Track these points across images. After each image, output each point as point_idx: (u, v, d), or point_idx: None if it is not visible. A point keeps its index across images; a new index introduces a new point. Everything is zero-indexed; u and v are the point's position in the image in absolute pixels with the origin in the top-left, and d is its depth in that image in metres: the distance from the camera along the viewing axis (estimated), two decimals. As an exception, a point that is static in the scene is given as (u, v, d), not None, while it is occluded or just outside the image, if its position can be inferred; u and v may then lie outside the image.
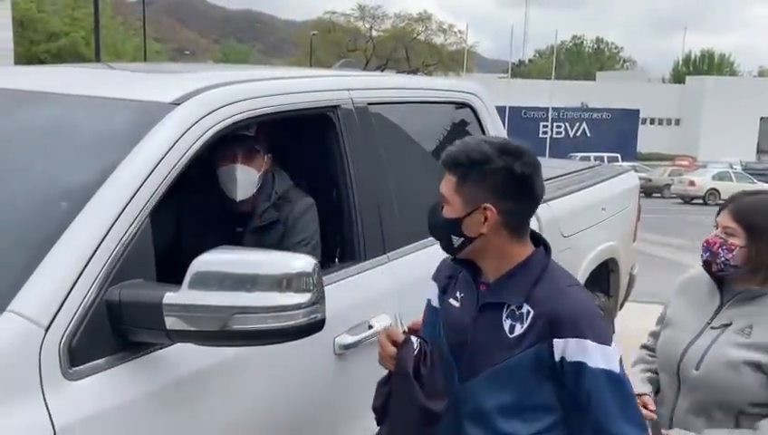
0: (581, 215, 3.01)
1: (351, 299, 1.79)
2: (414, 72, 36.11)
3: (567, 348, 1.27)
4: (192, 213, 1.98)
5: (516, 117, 35.24)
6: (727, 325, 1.67)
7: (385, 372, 1.42)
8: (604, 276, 3.32)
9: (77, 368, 1.19)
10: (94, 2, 17.90)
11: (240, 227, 1.99)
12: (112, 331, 1.25)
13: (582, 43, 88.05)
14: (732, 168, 27.35)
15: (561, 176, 3.31)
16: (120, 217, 1.29)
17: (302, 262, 1.26)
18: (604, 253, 3.18)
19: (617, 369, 1.29)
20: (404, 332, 1.39)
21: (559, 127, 40.99)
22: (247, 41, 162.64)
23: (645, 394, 1.77)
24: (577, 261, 2.87)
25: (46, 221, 1.31)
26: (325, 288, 1.29)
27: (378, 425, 1.43)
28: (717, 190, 22.47)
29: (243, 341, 1.26)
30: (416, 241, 2.05)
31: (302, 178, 2.11)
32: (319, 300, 1.26)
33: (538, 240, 1.42)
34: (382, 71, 29.98)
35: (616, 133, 39.68)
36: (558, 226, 2.67)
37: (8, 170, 1.49)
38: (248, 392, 1.49)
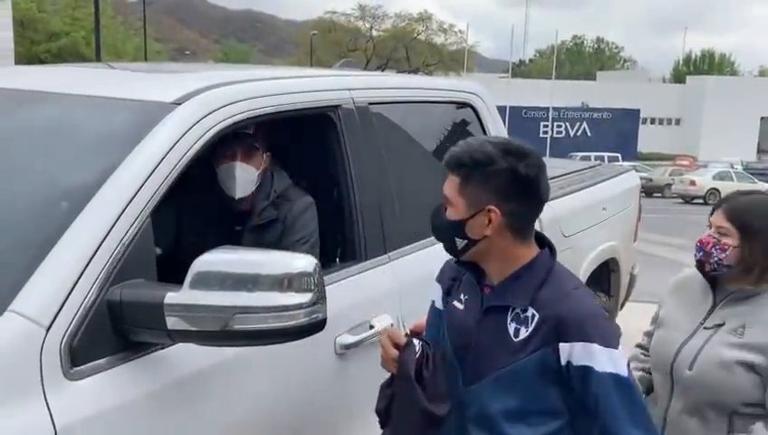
0: (582, 214, 3.01)
1: (352, 299, 1.78)
2: (414, 71, 36.12)
3: (573, 352, 1.26)
4: (191, 212, 1.98)
5: (517, 117, 35.22)
6: (720, 325, 1.67)
7: (386, 374, 1.41)
8: (605, 276, 3.32)
9: (78, 368, 1.19)
10: (95, 2, 17.90)
11: (239, 225, 1.99)
12: (113, 331, 1.25)
13: (583, 42, 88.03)
14: (732, 167, 27.35)
15: (562, 176, 3.31)
16: (121, 216, 1.29)
17: (304, 262, 1.25)
18: (605, 253, 3.17)
19: (624, 372, 1.27)
20: (406, 334, 1.37)
21: (559, 127, 40.97)
22: (248, 41, 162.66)
23: None
24: (578, 261, 2.86)
25: (47, 221, 1.31)
26: (326, 288, 1.29)
27: (381, 428, 1.42)
28: (718, 190, 22.44)
29: (244, 341, 1.26)
30: (417, 241, 2.04)
31: (304, 178, 2.11)
32: (320, 300, 1.25)
33: (543, 241, 1.40)
34: (383, 70, 29.98)
35: (616, 133, 39.68)
36: (559, 225, 2.67)
37: (9, 170, 1.49)
38: (249, 392, 1.49)
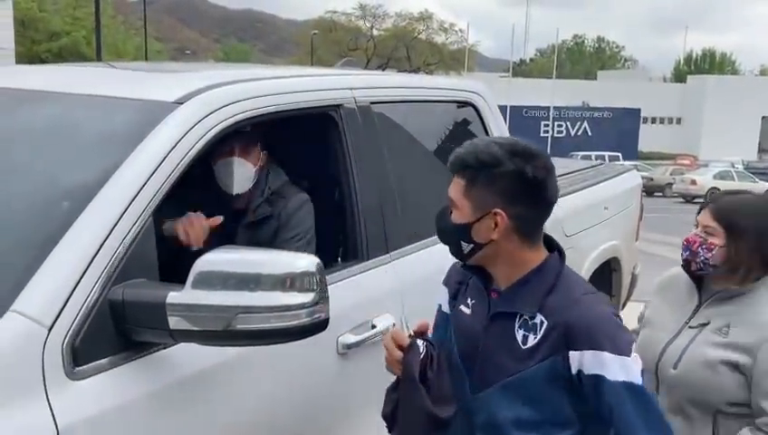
0: (584, 214, 3.00)
1: (354, 299, 1.78)
2: (415, 71, 36.12)
3: (583, 361, 1.22)
4: (187, 210, 1.97)
5: (517, 116, 35.23)
6: (705, 325, 1.67)
7: (390, 375, 1.39)
8: (606, 276, 3.31)
9: (80, 368, 1.19)
10: (95, 1, 17.91)
11: (234, 223, 1.98)
12: (115, 330, 1.25)
13: (583, 42, 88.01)
14: (733, 167, 27.34)
15: (564, 175, 3.30)
16: (123, 216, 1.29)
17: (306, 261, 1.25)
18: (607, 252, 3.17)
19: (637, 380, 1.22)
20: (410, 335, 1.35)
21: (560, 126, 40.97)
22: (248, 40, 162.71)
23: None
24: (579, 260, 2.86)
25: (49, 221, 1.31)
26: (328, 288, 1.28)
27: (389, 432, 1.40)
28: (719, 189, 22.41)
29: (246, 340, 1.25)
30: (419, 240, 2.04)
31: (305, 178, 2.11)
32: (322, 299, 1.25)
33: (551, 245, 1.36)
34: (383, 70, 29.95)
35: (617, 132, 39.67)
36: (561, 225, 2.66)
37: (11, 170, 1.49)
38: (251, 392, 1.49)
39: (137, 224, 1.30)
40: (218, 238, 1.81)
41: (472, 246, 1.30)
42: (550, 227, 1.36)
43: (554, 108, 39.67)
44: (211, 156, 1.91)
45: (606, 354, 1.21)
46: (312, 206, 1.99)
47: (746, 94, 47.37)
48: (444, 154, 1.98)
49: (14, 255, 1.28)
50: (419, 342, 1.33)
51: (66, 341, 1.17)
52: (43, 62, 24.33)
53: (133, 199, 1.31)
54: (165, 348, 1.32)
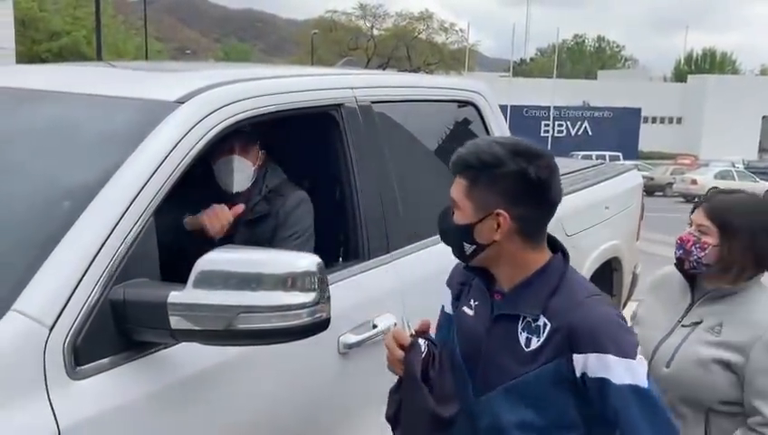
0: (585, 213, 3.00)
1: (355, 298, 1.78)
2: (415, 70, 36.10)
3: (588, 364, 1.20)
4: (186, 209, 1.97)
5: (518, 116, 35.22)
6: (698, 323, 1.67)
7: (391, 375, 1.39)
8: (607, 275, 3.31)
9: (81, 367, 1.19)
10: (96, 1, 17.91)
11: (232, 224, 1.98)
12: (117, 330, 1.24)
13: (584, 41, 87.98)
14: (734, 166, 27.33)
15: (564, 174, 3.29)
16: (124, 216, 1.29)
17: (307, 261, 1.25)
18: (607, 252, 3.17)
19: (643, 383, 1.20)
20: (411, 334, 1.34)
21: (560, 126, 40.97)
22: (248, 40, 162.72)
23: None
24: (580, 260, 2.86)
25: (50, 220, 1.31)
26: (329, 287, 1.28)
27: (393, 434, 1.39)
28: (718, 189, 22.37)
29: (248, 340, 1.25)
30: (420, 240, 2.04)
31: (306, 177, 2.10)
32: (324, 299, 1.25)
33: (555, 245, 1.34)
34: (383, 70, 29.96)
35: (618, 132, 39.67)
36: (561, 224, 2.66)
37: (12, 170, 1.49)
38: (253, 392, 1.48)
39: (138, 223, 1.30)
40: (218, 239, 1.81)
41: (474, 247, 1.29)
42: (551, 226, 1.35)
43: (555, 107, 39.67)
44: (210, 155, 1.91)
45: (610, 357, 1.19)
46: (310, 204, 1.99)
47: (747, 94, 47.36)
48: (445, 154, 1.98)
49: (15, 254, 1.28)
50: (421, 341, 1.32)
51: (67, 340, 1.17)
52: (43, 61, 24.32)
53: (134, 199, 1.31)
54: (166, 348, 1.32)
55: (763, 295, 1.66)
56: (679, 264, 1.71)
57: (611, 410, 1.21)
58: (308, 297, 1.23)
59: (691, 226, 1.70)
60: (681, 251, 1.68)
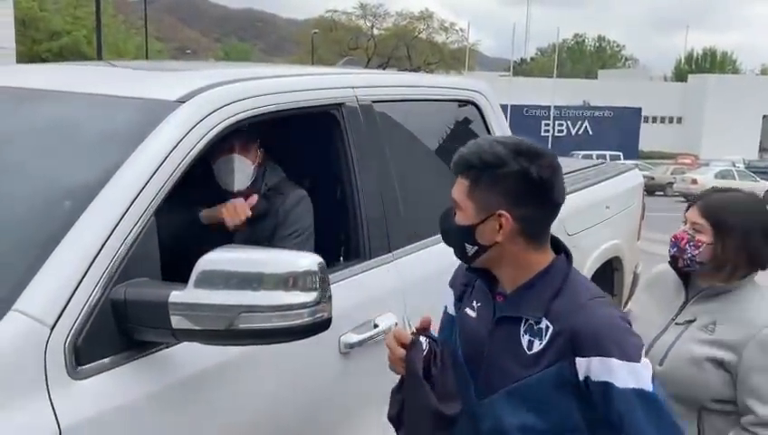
0: (586, 213, 3.00)
1: (356, 298, 1.77)
2: (415, 70, 36.09)
3: (591, 367, 1.18)
4: (185, 209, 1.97)
5: (518, 115, 35.21)
6: (691, 321, 1.67)
7: (393, 374, 1.38)
8: (608, 275, 3.31)
9: (82, 367, 1.19)
10: (96, 0, 17.91)
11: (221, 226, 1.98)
12: (118, 330, 1.24)
13: (584, 41, 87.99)
14: (734, 166, 27.32)
15: (565, 174, 3.28)
16: (125, 215, 1.29)
17: (308, 260, 1.25)
18: (608, 251, 3.16)
19: (648, 386, 1.18)
20: (412, 333, 1.33)
21: (561, 125, 40.96)
22: (248, 39, 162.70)
23: None
24: (581, 260, 2.85)
25: (51, 220, 1.31)
26: (330, 287, 1.28)
27: (396, 434, 1.39)
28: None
29: (249, 340, 1.25)
30: (421, 240, 2.04)
31: (307, 176, 2.10)
32: (325, 299, 1.24)
33: (558, 246, 1.32)
34: (384, 69, 29.96)
35: (618, 131, 39.65)
36: (562, 224, 2.66)
37: (13, 169, 1.49)
38: (254, 391, 1.48)
39: (139, 223, 1.30)
40: (217, 236, 1.81)
41: (476, 248, 1.27)
42: (552, 226, 1.35)
43: (555, 107, 39.65)
44: (210, 154, 1.90)
45: (614, 361, 1.17)
46: (310, 202, 1.99)
47: (747, 93, 47.36)
48: (446, 153, 1.97)
49: (16, 254, 1.28)
50: (422, 338, 1.31)
51: (68, 340, 1.17)
52: (43, 61, 24.32)
53: (135, 198, 1.31)
54: (167, 347, 1.32)
55: (757, 294, 1.66)
56: (673, 261, 1.71)
57: (616, 415, 1.19)
58: (309, 297, 1.22)
59: (686, 224, 1.71)
60: (675, 249, 1.69)
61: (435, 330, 1.38)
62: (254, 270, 1.22)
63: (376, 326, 1.77)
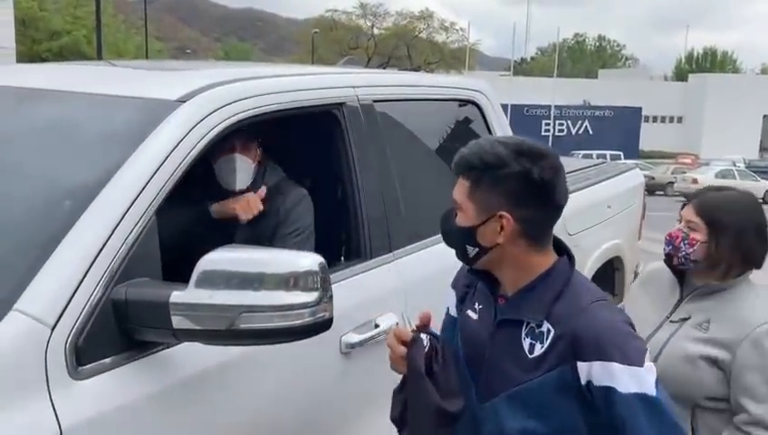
0: (587, 213, 3.00)
1: (357, 298, 1.77)
2: (416, 70, 36.07)
3: (592, 372, 1.17)
4: (186, 208, 1.97)
5: (518, 115, 35.20)
6: (686, 319, 1.67)
7: (394, 374, 1.37)
8: (609, 275, 3.31)
9: (83, 367, 1.19)
10: (96, 0, 17.90)
11: (233, 220, 1.98)
12: (118, 330, 1.24)
13: (584, 40, 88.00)
14: (735, 165, 27.32)
15: (567, 173, 3.28)
16: (126, 215, 1.28)
17: (309, 260, 1.24)
18: (609, 251, 3.16)
19: (651, 391, 1.16)
20: (412, 330, 1.32)
21: (561, 125, 40.95)
22: (249, 39, 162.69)
23: None
24: (582, 259, 2.85)
25: (51, 220, 1.30)
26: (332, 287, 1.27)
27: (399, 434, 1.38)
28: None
29: (250, 340, 1.25)
30: (421, 239, 2.03)
31: (308, 176, 2.10)
32: (326, 299, 1.24)
33: (560, 248, 1.30)
34: (384, 69, 29.94)
35: (618, 131, 39.64)
36: (564, 223, 2.65)
37: (13, 169, 1.48)
38: (255, 392, 1.48)
39: (140, 223, 1.30)
40: (218, 235, 1.81)
41: (477, 249, 1.26)
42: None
43: (555, 106, 39.65)
44: (211, 153, 1.90)
45: (615, 365, 1.16)
46: (310, 201, 1.99)
47: (747, 93, 47.35)
48: (447, 152, 1.97)
49: (17, 254, 1.28)
50: (423, 336, 1.30)
51: (69, 340, 1.16)
52: (43, 61, 24.34)
53: (136, 198, 1.31)
54: (168, 347, 1.31)
55: (752, 293, 1.66)
56: (668, 259, 1.71)
57: (618, 419, 1.17)
58: (310, 297, 1.22)
59: (681, 222, 1.71)
60: (670, 247, 1.69)
61: (434, 326, 1.37)
62: (255, 270, 1.22)
63: (377, 326, 1.77)
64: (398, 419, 1.35)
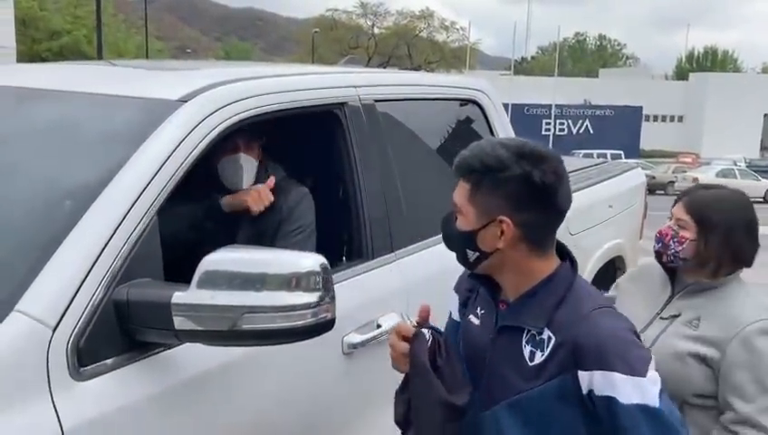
0: (588, 212, 2.99)
1: (359, 298, 1.77)
2: (416, 69, 36.07)
3: (593, 381, 1.15)
4: (188, 208, 1.96)
5: (519, 114, 35.17)
6: (676, 316, 1.67)
7: (395, 374, 1.36)
8: (611, 275, 3.30)
9: (85, 368, 1.18)
10: (96, 0, 17.91)
11: (235, 219, 1.98)
12: (120, 331, 1.24)
13: (585, 39, 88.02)
14: (735, 164, 27.33)
15: (568, 173, 3.28)
16: (128, 215, 1.28)
17: (311, 261, 1.24)
18: (611, 251, 3.16)
19: (654, 402, 1.14)
20: (413, 326, 1.30)
21: (562, 124, 40.94)
22: (249, 39, 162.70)
23: None
24: (584, 259, 2.85)
25: (53, 221, 1.30)
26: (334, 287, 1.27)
27: None
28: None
29: (252, 341, 1.24)
30: (423, 239, 2.03)
31: (309, 176, 2.10)
32: (328, 299, 1.24)
33: (562, 253, 1.28)
34: (384, 68, 29.94)
35: (619, 130, 39.63)
36: (565, 223, 2.64)
37: (15, 169, 1.48)
38: (257, 392, 1.48)
39: (141, 223, 1.30)
40: (221, 234, 1.80)
41: (477, 254, 1.23)
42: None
43: (556, 106, 39.63)
44: (214, 153, 1.90)
45: (617, 375, 1.14)
46: (311, 199, 1.99)
47: (748, 92, 47.33)
48: (448, 152, 1.97)
49: (18, 255, 1.27)
50: (424, 330, 1.29)
51: (71, 341, 1.16)
52: (44, 60, 24.34)
53: (137, 199, 1.31)
54: (170, 348, 1.31)
55: (742, 291, 1.66)
56: (657, 257, 1.71)
57: (620, 430, 1.15)
58: (312, 297, 1.22)
59: (671, 219, 1.71)
60: (659, 244, 1.69)
61: (434, 321, 1.35)
62: (257, 271, 1.21)
63: (379, 326, 1.77)
64: (402, 420, 1.33)
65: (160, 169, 1.36)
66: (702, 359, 1.59)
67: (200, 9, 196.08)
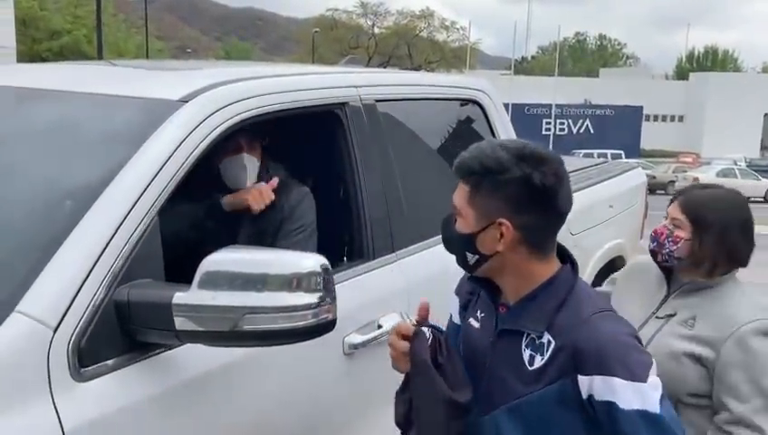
0: (589, 212, 2.99)
1: (360, 299, 1.77)
2: (416, 69, 36.06)
3: (593, 386, 1.14)
4: (189, 207, 1.96)
5: (519, 114, 35.18)
6: (672, 316, 1.67)
7: (396, 375, 1.36)
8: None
9: (86, 369, 1.18)
10: (96, 0, 17.91)
11: (237, 219, 1.98)
12: (121, 331, 1.24)
13: (585, 39, 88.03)
14: (736, 164, 27.32)
15: (568, 172, 3.27)
16: (129, 216, 1.28)
17: (312, 261, 1.24)
18: (612, 251, 3.16)
19: (654, 407, 1.13)
20: (413, 324, 1.29)
21: (562, 124, 40.94)
22: (249, 38, 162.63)
23: None
24: (585, 259, 2.85)
25: (54, 221, 1.30)
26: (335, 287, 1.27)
27: None
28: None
29: (253, 341, 1.24)
30: (424, 240, 2.03)
31: (310, 176, 2.09)
32: (329, 300, 1.24)
33: (563, 255, 1.27)
34: (385, 68, 29.93)
35: (620, 130, 39.64)
36: (566, 223, 2.64)
37: (15, 170, 1.48)
38: (258, 393, 1.48)
39: (142, 223, 1.29)
40: (223, 233, 1.80)
41: (477, 257, 1.23)
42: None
43: (556, 105, 39.63)
44: (215, 153, 1.90)
45: (617, 380, 1.12)
46: (312, 198, 1.99)
47: (748, 91, 47.33)
48: (449, 152, 1.97)
49: (19, 255, 1.27)
50: (424, 329, 1.28)
51: (71, 342, 1.16)
52: (44, 60, 24.34)
53: (138, 199, 1.30)
54: (171, 349, 1.31)
55: (737, 291, 1.66)
56: (653, 256, 1.71)
57: None
58: (313, 298, 1.21)
59: (667, 218, 1.70)
60: (654, 244, 1.69)
61: (433, 318, 1.34)
62: (258, 271, 1.21)
63: (380, 327, 1.77)
64: (403, 420, 1.33)
65: (161, 169, 1.36)
66: (697, 358, 1.59)
67: (200, 9, 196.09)
